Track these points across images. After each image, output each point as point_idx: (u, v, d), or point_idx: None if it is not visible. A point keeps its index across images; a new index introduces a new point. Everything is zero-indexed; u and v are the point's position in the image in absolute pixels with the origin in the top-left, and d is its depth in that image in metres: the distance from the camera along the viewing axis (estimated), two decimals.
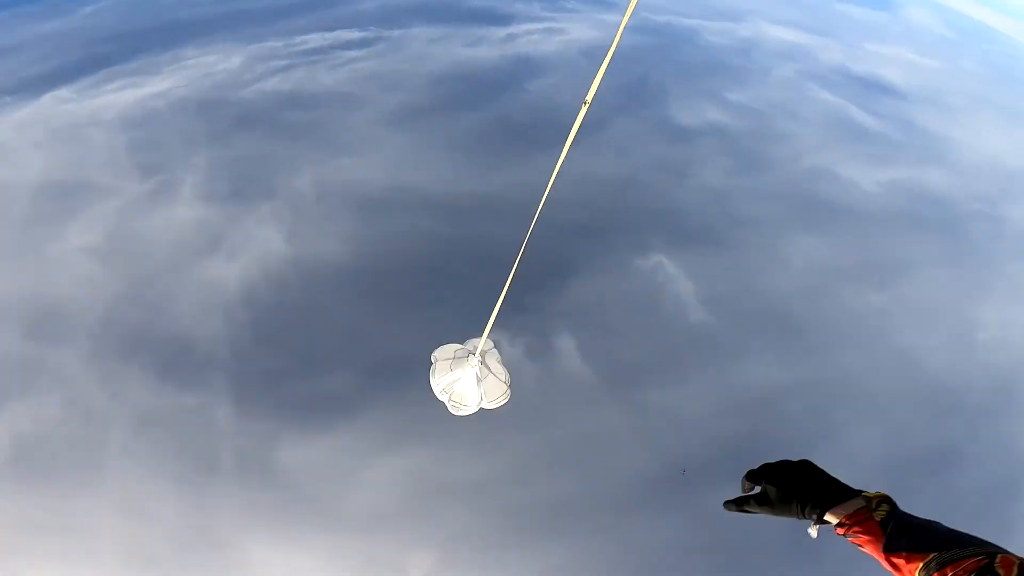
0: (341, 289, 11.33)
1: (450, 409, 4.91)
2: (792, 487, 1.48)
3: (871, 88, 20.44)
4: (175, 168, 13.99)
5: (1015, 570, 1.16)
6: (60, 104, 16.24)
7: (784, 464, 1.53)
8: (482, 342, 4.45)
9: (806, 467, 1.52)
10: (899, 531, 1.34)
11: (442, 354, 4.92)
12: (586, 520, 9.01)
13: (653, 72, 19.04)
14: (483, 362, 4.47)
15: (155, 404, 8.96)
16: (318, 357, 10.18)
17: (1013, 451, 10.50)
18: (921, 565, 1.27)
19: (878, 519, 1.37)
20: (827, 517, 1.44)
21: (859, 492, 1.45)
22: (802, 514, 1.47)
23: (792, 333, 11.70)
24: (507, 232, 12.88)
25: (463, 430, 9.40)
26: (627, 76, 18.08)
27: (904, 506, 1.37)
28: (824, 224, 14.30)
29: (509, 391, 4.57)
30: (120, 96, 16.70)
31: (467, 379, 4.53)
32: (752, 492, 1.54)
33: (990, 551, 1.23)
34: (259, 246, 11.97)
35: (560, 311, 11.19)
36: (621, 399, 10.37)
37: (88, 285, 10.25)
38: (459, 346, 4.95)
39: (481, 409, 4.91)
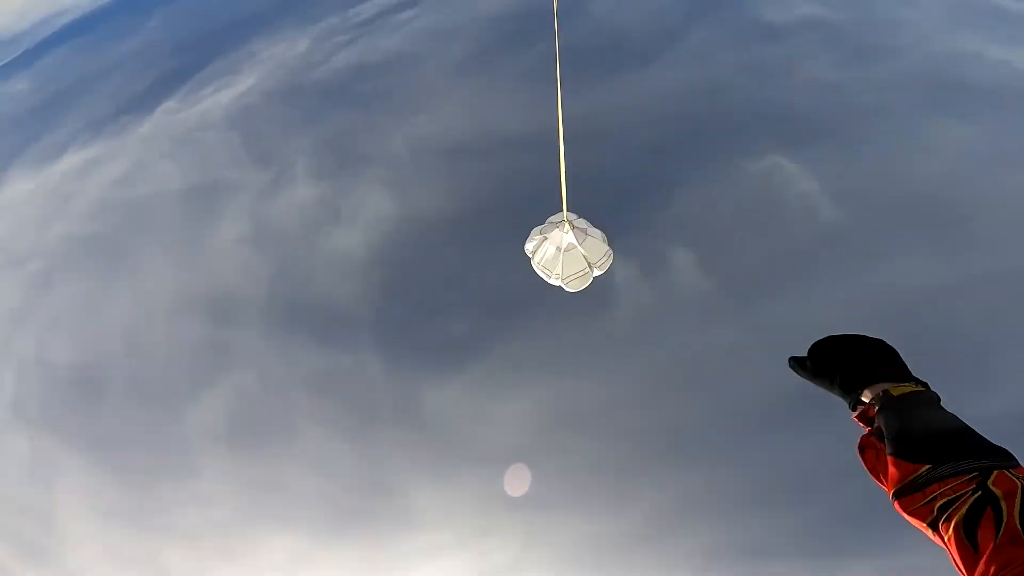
0: (450, 235, 11.97)
1: (567, 287, 4.75)
2: (834, 362, 1.33)
3: None
4: (284, 154, 15.23)
5: (1019, 496, 0.95)
6: (171, 115, 18.02)
7: (845, 339, 1.35)
8: (564, 214, 4.49)
9: (872, 346, 1.33)
10: (903, 433, 1.15)
11: (534, 237, 4.87)
12: (716, 442, 8.90)
13: None
14: (574, 227, 4.52)
15: (320, 367, 10.42)
16: (441, 302, 11.07)
17: None
18: (912, 477, 1.08)
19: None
20: (863, 398, 1.27)
21: (913, 379, 1.26)
22: (836, 389, 1.32)
23: (949, 224, 10.00)
24: (590, 156, 12.54)
25: (583, 357, 9.68)
26: None
27: None
28: (973, 107, 11.84)
29: (610, 249, 4.62)
30: (217, 99, 18.15)
31: (568, 248, 4.56)
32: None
33: (987, 466, 1.03)
34: (372, 210, 12.95)
35: (671, 226, 10.81)
36: (746, 311, 9.88)
37: (246, 270, 11.86)
38: (542, 226, 4.86)
39: (593, 278, 4.73)
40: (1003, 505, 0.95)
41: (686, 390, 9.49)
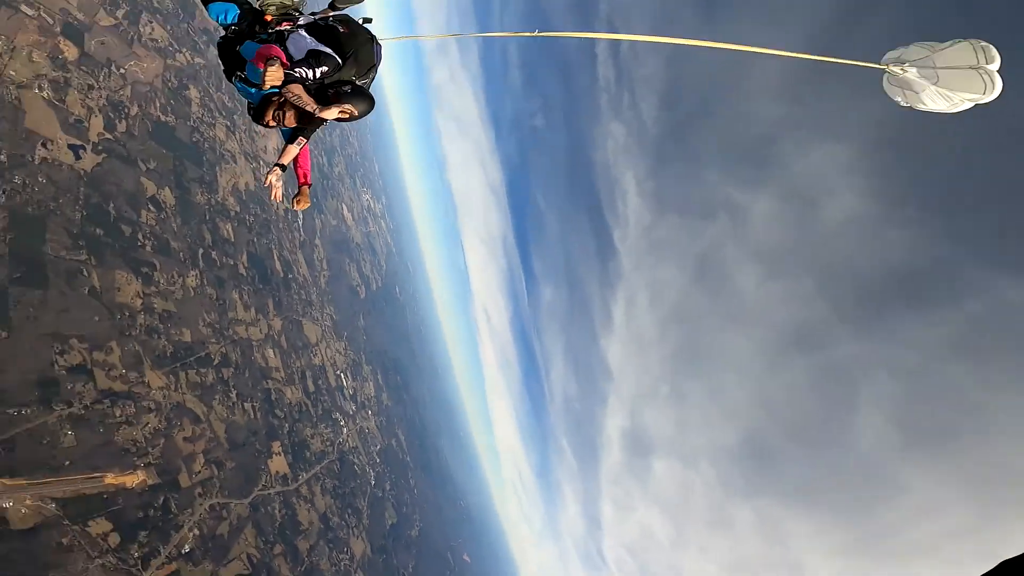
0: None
1: (961, 104, 4.34)
2: None
3: None
4: (718, 196, 16.57)
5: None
6: (629, 252, 22.08)
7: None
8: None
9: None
10: None
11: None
12: None
13: None
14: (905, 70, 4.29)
15: (944, 332, 9.68)
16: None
17: None
18: None
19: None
20: None
21: None
22: None
23: None
24: None
25: None
26: None
27: None
28: None
29: (967, 43, 4.13)
30: (632, 208, 21.23)
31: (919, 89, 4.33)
32: None
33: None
34: (832, 177, 12.39)
35: None
36: None
37: (791, 296, 12.84)
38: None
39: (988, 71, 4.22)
40: None
41: None
